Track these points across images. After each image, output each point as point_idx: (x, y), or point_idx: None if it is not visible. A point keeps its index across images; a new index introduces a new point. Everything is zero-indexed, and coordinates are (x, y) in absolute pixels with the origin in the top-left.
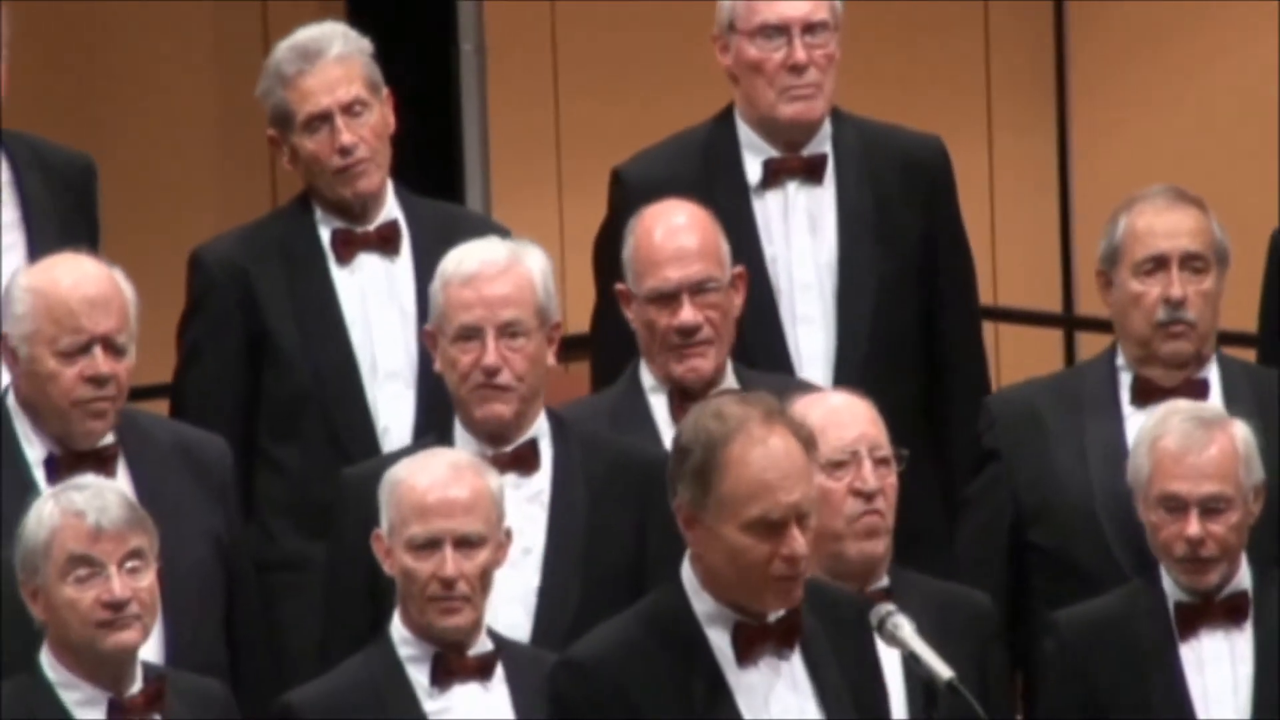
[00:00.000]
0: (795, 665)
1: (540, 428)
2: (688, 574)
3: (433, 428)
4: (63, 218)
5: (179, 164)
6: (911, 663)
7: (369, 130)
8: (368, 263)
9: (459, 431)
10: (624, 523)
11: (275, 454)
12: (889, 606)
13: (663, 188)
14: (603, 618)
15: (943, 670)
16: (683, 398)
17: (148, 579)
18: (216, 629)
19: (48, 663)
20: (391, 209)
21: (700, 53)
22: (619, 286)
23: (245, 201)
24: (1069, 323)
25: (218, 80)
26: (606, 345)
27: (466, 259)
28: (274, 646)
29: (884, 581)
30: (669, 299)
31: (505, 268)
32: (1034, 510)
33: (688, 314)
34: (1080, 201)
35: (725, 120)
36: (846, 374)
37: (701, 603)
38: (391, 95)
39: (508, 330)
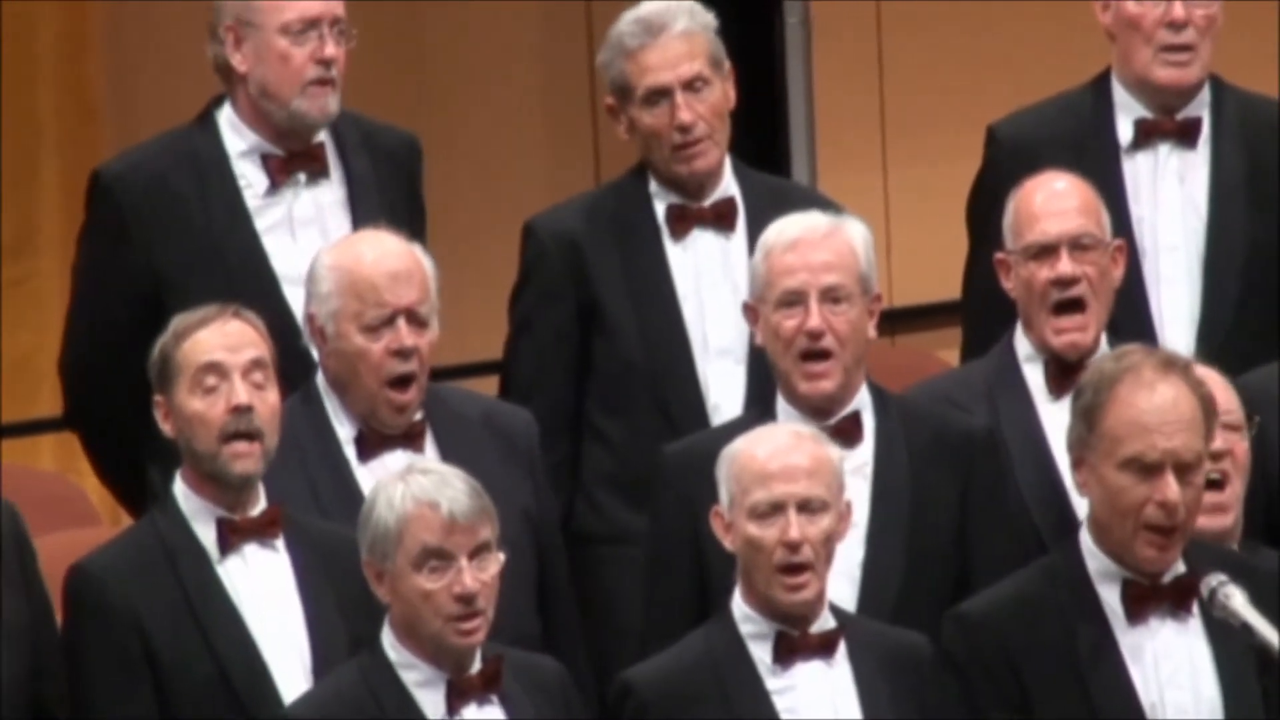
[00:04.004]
0: (1193, 628)
1: (862, 400)
2: (1084, 533)
3: (755, 406)
4: (387, 197)
5: (506, 141)
6: (1245, 634)
7: (708, 108)
8: (702, 239)
9: (781, 405)
10: (946, 494)
11: (603, 426)
12: (1220, 577)
13: (1034, 145)
14: (927, 590)
15: (1277, 641)
16: (1059, 368)
17: (493, 569)
18: (529, 601)
19: (389, 643)
20: (729, 185)
21: (1023, 24)
22: (998, 256)
23: (569, 177)
24: None
25: (543, 55)
26: (973, 305)
27: (788, 228)
28: (605, 620)
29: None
30: (1047, 251)
31: (827, 234)
32: None
33: (1066, 265)
34: None
35: (1101, 81)
36: (1211, 339)
37: (1095, 560)
38: (732, 69)
39: (830, 295)
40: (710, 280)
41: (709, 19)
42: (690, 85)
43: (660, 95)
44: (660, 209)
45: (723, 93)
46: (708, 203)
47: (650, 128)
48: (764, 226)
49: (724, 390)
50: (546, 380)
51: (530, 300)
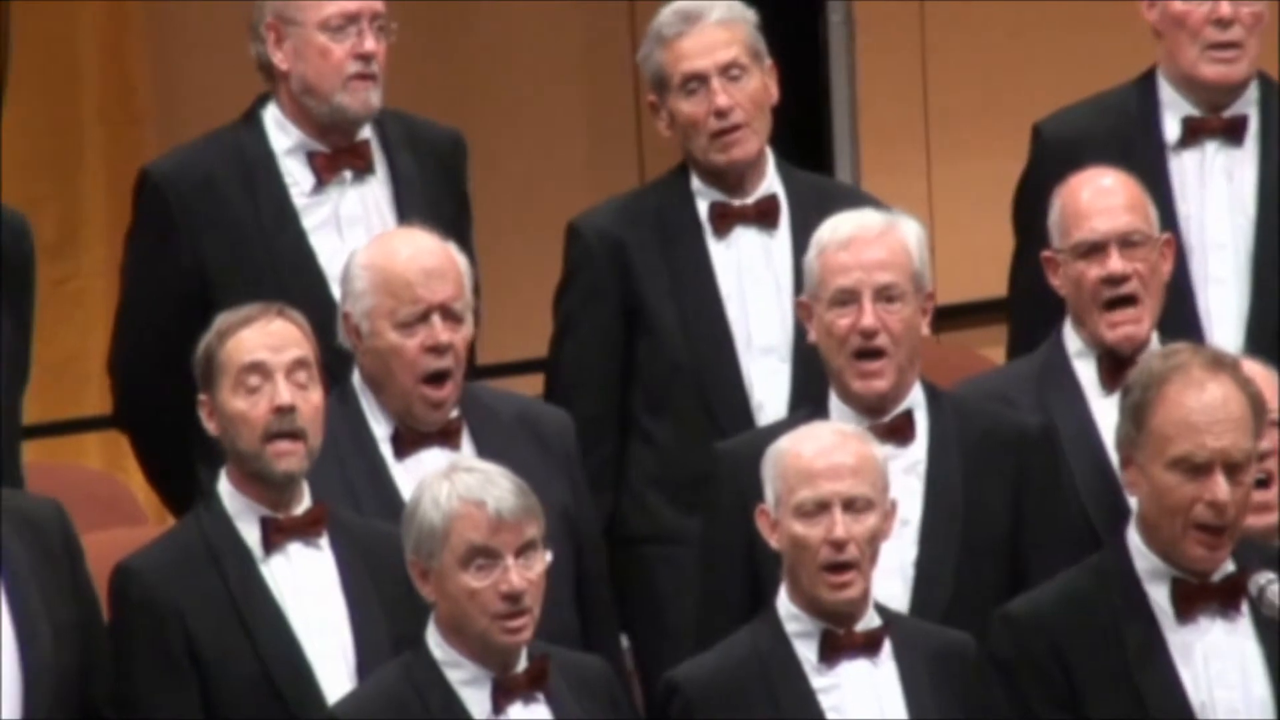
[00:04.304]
0: (1242, 627)
1: (915, 398)
2: (1132, 531)
3: (807, 403)
4: (432, 194)
5: (549, 140)
6: None
7: (746, 96)
8: (745, 236)
9: (834, 403)
10: (999, 491)
11: (648, 426)
12: (1269, 575)
13: (1079, 144)
14: (980, 588)
15: None
16: (1111, 363)
17: (539, 568)
18: (568, 599)
19: (434, 641)
20: (771, 182)
21: (1067, 21)
22: (1045, 254)
23: (612, 176)
24: None
25: (586, 54)
26: (1020, 302)
27: (842, 225)
28: (652, 620)
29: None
30: (1097, 250)
31: (881, 232)
32: None
33: (1116, 263)
34: None
35: (1147, 79)
36: (1260, 337)
37: (1143, 559)
38: (775, 66)
39: (884, 294)
40: (754, 278)
41: (748, 13)
42: (727, 71)
43: (697, 81)
44: (703, 207)
45: (762, 84)
46: (751, 200)
47: (689, 116)
48: (807, 224)
49: (768, 389)
50: (591, 380)
51: (575, 300)
